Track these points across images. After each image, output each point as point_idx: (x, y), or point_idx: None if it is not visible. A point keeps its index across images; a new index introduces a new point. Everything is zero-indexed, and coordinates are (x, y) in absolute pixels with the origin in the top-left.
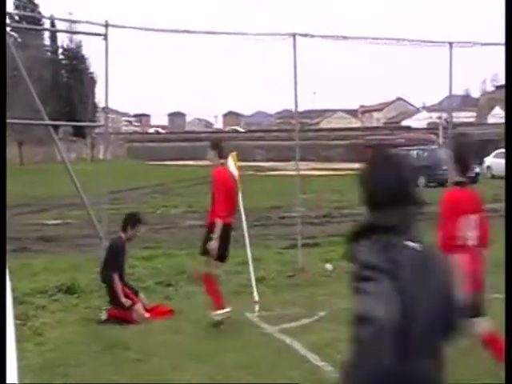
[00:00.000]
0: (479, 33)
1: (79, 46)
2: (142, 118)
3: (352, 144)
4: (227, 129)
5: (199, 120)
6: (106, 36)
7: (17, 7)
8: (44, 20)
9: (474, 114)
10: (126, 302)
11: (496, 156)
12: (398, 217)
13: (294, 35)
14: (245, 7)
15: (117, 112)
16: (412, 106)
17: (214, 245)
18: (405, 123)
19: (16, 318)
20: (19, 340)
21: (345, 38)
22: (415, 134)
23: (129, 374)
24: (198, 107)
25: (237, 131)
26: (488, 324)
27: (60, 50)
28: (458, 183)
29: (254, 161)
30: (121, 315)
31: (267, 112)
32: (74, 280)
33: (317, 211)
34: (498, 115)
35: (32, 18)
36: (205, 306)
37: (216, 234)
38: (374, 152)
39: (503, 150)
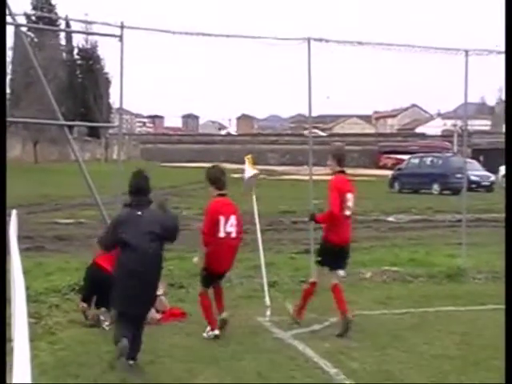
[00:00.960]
0: (496, 41)
1: (95, 47)
2: (156, 119)
3: (365, 150)
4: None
5: (212, 122)
6: (121, 37)
7: (34, 8)
8: (60, 21)
9: (490, 122)
10: None
11: None
12: (136, 199)
13: (308, 40)
14: (260, 11)
15: (131, 113)
16: (426, 112)
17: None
18: (419, 130)
19: (29, 316)
20: (32, 339)
21: (360, 43)
22: (429, 141)
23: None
24: (211, 109)
25: (253, 134)
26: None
27: (76, 51)
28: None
29: (267, 164)
30: None
31: (281, 116)
32: None
33: None
34: None
35: (49, 19)
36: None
37: None
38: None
39: None
